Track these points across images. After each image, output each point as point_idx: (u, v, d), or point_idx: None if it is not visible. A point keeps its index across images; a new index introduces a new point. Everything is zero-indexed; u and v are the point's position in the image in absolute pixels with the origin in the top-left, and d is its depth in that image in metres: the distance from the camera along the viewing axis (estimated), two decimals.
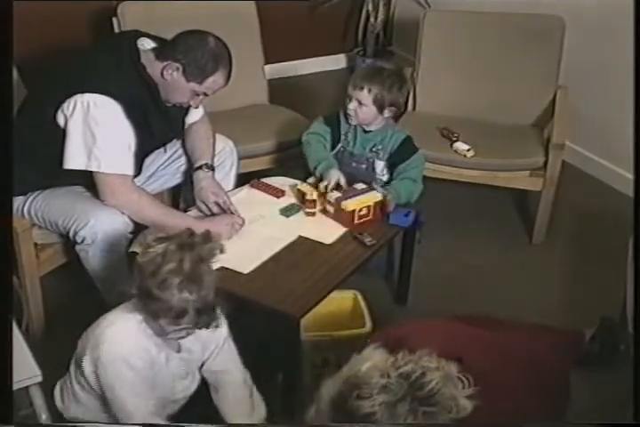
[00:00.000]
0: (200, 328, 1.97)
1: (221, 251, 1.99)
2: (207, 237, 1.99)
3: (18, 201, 2.62)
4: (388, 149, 2.85)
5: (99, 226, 2.48)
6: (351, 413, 1.58)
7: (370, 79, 2.77)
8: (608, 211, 3.53)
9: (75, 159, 2.48)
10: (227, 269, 2.40)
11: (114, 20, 3.38)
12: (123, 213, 2.52)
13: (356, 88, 2.78)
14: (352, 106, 2.80)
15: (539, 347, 2.13)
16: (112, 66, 2.49)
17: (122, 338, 1.99)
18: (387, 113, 2.81)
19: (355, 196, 2.67)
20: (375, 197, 2.68)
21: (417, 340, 1.82)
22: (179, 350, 2.10)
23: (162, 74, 2.51)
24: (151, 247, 1.93)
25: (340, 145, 2.90)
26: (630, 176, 3.49)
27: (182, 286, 1.89)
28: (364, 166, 2.87)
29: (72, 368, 2.13)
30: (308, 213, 2.72)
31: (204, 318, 1.94)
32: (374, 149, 2.85)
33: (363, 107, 2.79)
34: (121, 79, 2.47)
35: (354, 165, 2.87)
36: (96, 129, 2.43)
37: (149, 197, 2.60)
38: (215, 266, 2.24)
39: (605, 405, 2.50)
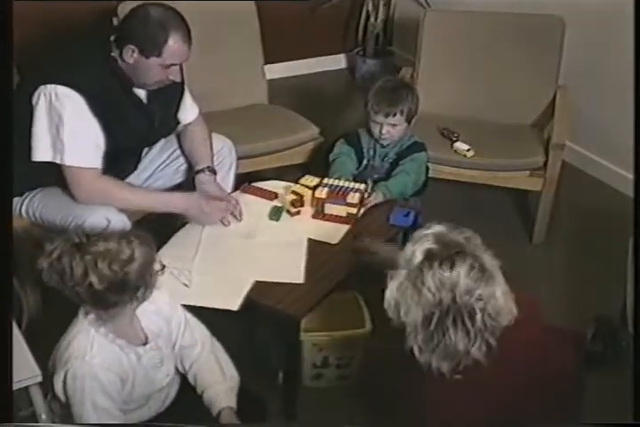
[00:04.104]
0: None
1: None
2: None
3: (15, 201, 2.62)
4: (399, 155, 2.95)
5: (96, 224, 2.47)
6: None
7: (395, 102, 2.83)
8: (608, 211, 3.53)
9: (41, 152, 2.47)
10: (280, 283, 2.41)
11: (114, 19, 3.38)
12: (121, 210, 2.52)
13: (389, 115, 2.84)
14: (385, 130, 2.87)
15: (551, 344, 2.11)
16: (78, 58, 2.49)
17: (87, 352, 1.95)
18: (412, 122, 2.91)
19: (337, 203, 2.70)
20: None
21: None
22: (145, 342, 2.06)
23: (124, 60, 2.48)
24: (52, 253, 1.89)
25: (365, 160, 2.98)
26: (630, 176, 3.49)
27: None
28: (384, 177, 2.94)
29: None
30: (292, 214, 2.71)
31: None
32: (387, 160, 2.94)
33: (396, 127, 2.87)
34: (86, 71, 2.45)
35: (376, 176, 2.94)
36: (58, 120, 2.42)
37: (116, 183, 2.57)
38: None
39: (605, 405, 2.49)
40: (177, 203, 2.63)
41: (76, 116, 2.44)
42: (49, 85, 2.42)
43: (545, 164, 3.27)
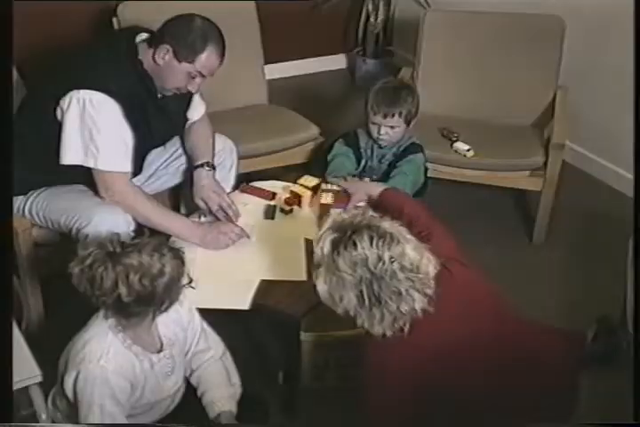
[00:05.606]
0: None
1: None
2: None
3: (19, 201, 2.62)
4: (397, 156, 2.94)
5: (101, 225, 2.47)
6: None
7: (394, 104, 2.82)
8: (608, 211, 3.53)
9: (71, 155, 2.48)
10: (279, 283, 2.41)
11: (114, 19, 3.38)
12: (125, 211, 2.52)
13: (387, 116, 2.82)
14: (383, 131, 2.86)
15: (548, 345, 2.12)
16: (109, 62, 2.49)
17: (103, 356, 1.94)
18: (412, 124, 2.88)
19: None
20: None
21: None
22: (160, 350, 2.06)
23: (154, 60, 2.49)
24: (85, 259, 1.88)
25: (363, 161, 2.98)
26: (630, 176, 3.50)
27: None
28: (383, 179, 2.93)
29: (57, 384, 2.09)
30: (286, 212, 2.71)
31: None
32: (384, 161, 2.94)
33: (395, 129, 2.86)
34: (118, 76, 2.46)
35: (374, 177, 2.93)
36: (92, 126, 2.43)
37: (145, 196, 2.58)
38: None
39: (605, 405, 2.49)
40: (189, 233, 2.56)
41: (111, 122, 2.45)
42: (82, 90, 2.41)
43: (545, 164, 3.27)
